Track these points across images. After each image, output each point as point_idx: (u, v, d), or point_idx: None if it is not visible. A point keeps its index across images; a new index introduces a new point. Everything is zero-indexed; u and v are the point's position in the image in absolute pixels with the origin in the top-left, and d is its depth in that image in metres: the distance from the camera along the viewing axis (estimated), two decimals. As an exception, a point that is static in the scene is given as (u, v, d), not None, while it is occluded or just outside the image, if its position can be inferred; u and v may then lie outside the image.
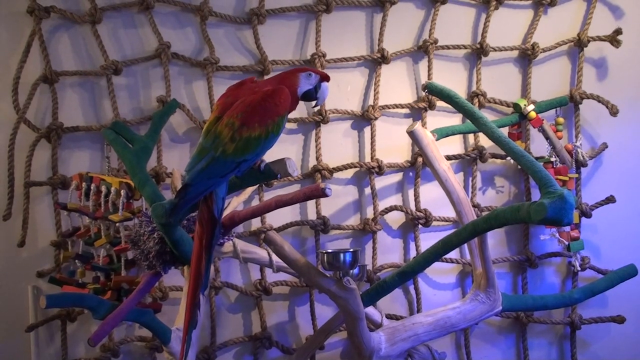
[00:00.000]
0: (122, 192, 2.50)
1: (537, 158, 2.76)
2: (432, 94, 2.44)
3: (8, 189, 2.67)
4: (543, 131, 2.81)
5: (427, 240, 2.80)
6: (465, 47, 2.89)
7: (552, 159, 2.81)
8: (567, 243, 2.79)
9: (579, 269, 2.84)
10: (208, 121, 1.98)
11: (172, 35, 2.81)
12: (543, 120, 2.80)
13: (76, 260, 2.63)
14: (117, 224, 2.52)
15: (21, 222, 2.69)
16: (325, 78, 2.07)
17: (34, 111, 2.76)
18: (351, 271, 2.31)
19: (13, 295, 2.73)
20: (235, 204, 2.65)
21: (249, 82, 2.06)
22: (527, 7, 2.93)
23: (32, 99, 2.71)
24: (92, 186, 2.56)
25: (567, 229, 2.79)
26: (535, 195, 2.86)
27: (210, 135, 1.94)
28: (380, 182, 2.87)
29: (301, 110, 2.84)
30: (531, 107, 2.79)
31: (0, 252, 2.74)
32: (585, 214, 2.84)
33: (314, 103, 2.12)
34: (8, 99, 2.71)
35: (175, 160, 2.79)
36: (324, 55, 2.81)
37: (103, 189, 2.54)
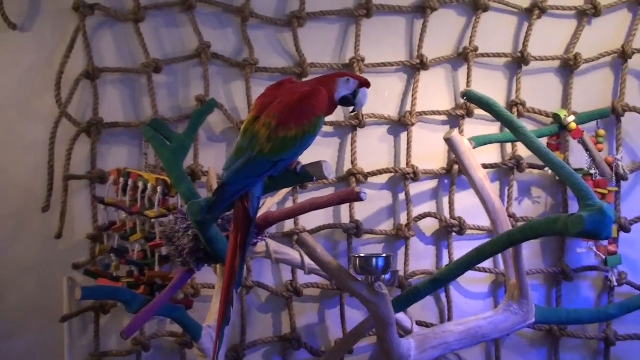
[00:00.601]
0: (159, 189, 2.52)
1: (576, 170, 2.70)
2: (471, 101, 2.43)
3: (48, 181, 2.72)
4: (583, 143, 2.77)
5: (461, 248, 2.78)
6: (506, 55, 2.87)
7: (592, 172, 2.77)
8: (604, 257, 2.74)
9: (615, 284, 2.79)
10: (246, 121, 2.00)
11: (212, 35, 2.84)
12: (583, 131, 2.77)
13: (111, 254, 2.67)
14: (153, 220, 2.55)
15: (59, 215, 2.74)
16: (365, 84, 2.06)
17: (76, 106, 2.80)
18: (383, 276, 2.30)
19: (49, 285, 2.78)
20: (269, 204, 2.66)
21: (288, 83, 2.06)
22: (570, 17, 2.90)
23: (74, 94, 2.76)
24: (130, 182, 2.60)
25: (605, 243, 2.75)
26: (573, 207, 2.82)
27: (247, 135, 1.95)
28: (415, 188, 2.86)
29: (338, 113, 2.84)
30: (572, 118, 2.76)
31: (38, 244, 2.79)
32: (624, 228, 2.79)
33: (352, 108, 2.12)
34: (51, 93, 2.76)
35: (211, 159, 2.81)
36: (362, 60, 2.82)
37: (140, 184, 2.57)
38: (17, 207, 2.78)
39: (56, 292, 2.77)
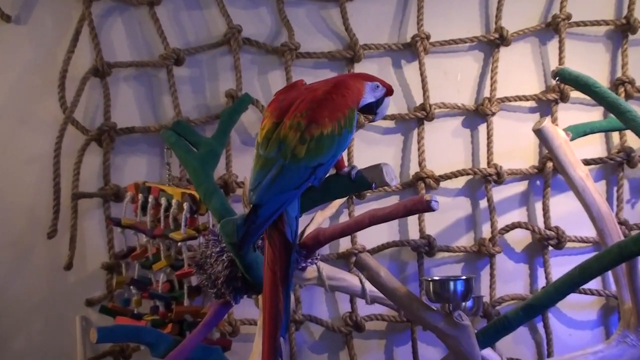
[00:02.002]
0: (185, 206, 2.53)
1: (703, 162, 2.67)
2: (565, 82, 2.43)
3: (53, 201, 2.75)
4: None
5: (560, 265, 2.75)
6: (606, 22, 2.85)
7: None
8: None
9: None
10: (263, 130, 1.98)
11: (243, 17, 2.85)
12: None
13: (131, 287, 2.69)
14: (179, 244, 2.56)
15: (68, 241, 2.77)
16: (390, 92, 2.07)
17: (83, 110, 2.84)
18: (463, 304, 2.31)
19: (59, 326, 2.82)
20: (320, 219, 2.66)
21: (300, 85, 2.08)
22: (688, -31, 2.85)
23: (81, 95, 2.79)
24: (150, 198, 2.62)
25: None
26: (701, 209, 2.75)
27: (272, 143, 1.94)
28: (499, 193, 2.85)
29: (401, 104, 2.84)
30: (694, 97, 2.71)
31: (45, 277, 2.84)
32: None
33: (372, 117, 2.13)
34: (54, 95, 2.79)
35: (247, 166, 2.77)
36: (427, 37, 2.81)
37: (163, 201, 2.59)
38: (18, 234, 2.83)
39: (68, 334, 2.80)
